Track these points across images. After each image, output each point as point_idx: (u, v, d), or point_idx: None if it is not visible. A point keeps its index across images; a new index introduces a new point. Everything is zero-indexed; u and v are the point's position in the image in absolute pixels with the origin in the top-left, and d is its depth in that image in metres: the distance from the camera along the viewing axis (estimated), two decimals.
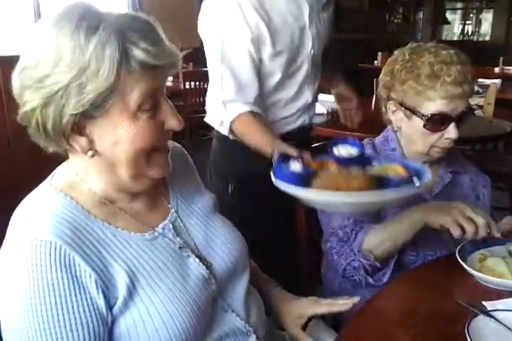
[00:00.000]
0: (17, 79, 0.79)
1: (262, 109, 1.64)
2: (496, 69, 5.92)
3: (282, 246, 1.68)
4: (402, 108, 1.35)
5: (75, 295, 0.77)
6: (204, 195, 1.08)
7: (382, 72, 1.41)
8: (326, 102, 3.55)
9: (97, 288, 0.79)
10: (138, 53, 0.76)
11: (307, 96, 1.80)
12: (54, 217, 0.80)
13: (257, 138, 1.54)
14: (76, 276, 0.77)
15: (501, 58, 6.00)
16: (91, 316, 0.78)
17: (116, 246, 0.85)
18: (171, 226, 0.95)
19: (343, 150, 1.03)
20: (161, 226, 0.93)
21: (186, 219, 1.00)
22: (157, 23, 0.82)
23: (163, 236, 0.92)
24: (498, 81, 4.95)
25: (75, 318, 0.77)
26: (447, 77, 1.26)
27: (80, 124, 0.79)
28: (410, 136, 1.38)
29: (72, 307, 0.77)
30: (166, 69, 0.82)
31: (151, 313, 0.82)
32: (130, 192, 0.91)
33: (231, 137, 1.65)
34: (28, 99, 0.78)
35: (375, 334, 0.88)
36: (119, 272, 0.82)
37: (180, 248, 0.93)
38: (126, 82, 0.77)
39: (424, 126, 1.31)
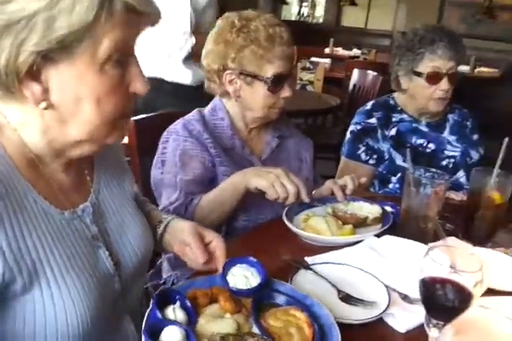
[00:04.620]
0: None
1: None
2: (327, 50, 6.41)
3: None
4: (242, 76, 1.37)
5: None
6: (127, 179, 1.00)
7: (211, 43, 1.40)
8: None
9: None
10: None
11: None
12: None
13: None
14: None
15: (332, 40, 6.51)
16: None
17: (35, 215, 0.74)
18: (91, 209, 0.86)
19: (240, 279, 0.87)
20: (81, 207, 0.84)
21: (105, 203, 0.90)
22: None
23: (80, 219, 0.83)
24: (328, 60, 5.40)
25: None
26: (280, 38, 1.34)
27: (36, 68, 0.66)
28: (251, 102, 1.41)
29: None
30: (145, 19, 0.74)
31: (56, 300, 0.73)
32: (63, 159, 0.80)
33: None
34: None
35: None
36: (30, 247, 0.71)
37: (92, 237, 0.84)
38: (103, 27, 0.68)
39: (268, 88, 1.36)
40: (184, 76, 1.56)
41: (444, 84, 1.73)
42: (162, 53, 2.43)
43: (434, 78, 1.74)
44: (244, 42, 1.33)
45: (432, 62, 1.73)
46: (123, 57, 0.74)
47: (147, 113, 1.66)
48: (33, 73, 0.68)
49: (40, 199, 0.76)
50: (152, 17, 0.76)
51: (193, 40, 2.34)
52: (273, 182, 1.20)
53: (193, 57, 2.34)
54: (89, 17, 0.65)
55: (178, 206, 1.31)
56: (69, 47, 0.67)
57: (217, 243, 0.98)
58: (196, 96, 2.01)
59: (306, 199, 1.23)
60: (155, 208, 1.17)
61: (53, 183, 0.81)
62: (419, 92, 1.79)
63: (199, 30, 2.32)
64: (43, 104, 0.71)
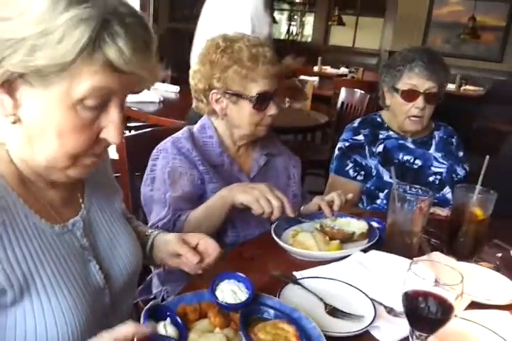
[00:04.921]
0: None
1: None
2: (315, 68, 6.51)
3: None
4: (227, 95, 1.40)
5: None
6: (117, 196, 1.02)
7: (197, 64, 1.44)
8: (158, 90, 3.52)
9: None
10: (110, 50, 0.68)
11: None
12: None
13: None
14: None
15: (319, 58, 6.62)
16: None
17: (26, 229, 0.75)
18: (81, 223, 0.87)
19: (229, 294, 0.88)
20: (71, 221, 0.86)
21: (95, 218, 0.92)
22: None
23: (71, 233, 0.85)
24: (316, 78, 5.48)
25: None
26: (264, 57, 1.37)
27: (13, 84, 0.69)
28: (237, 120, 1.44)
29: None
30: (131, 78, 0.72)
31: (46, 313, 0.74)
32: (45, 180, 0.81)
33: None
34: None
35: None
36: (21, 261, 0.73)
37: (83, 250, 0.85)
38: (82, 69, 0.68)
39: (254, 106, 1.39)
40: None
41: (420, 102, 1.79)
42: None
43: (409, 95, 1.80)
44: (228, 63, 1.37)
45: (409, 79, 1.80)
46: (102, 103, 0.73)
47: None
48: (8, 88, 0.71)
49: (31, 214, 0.78)
50: (141, 78, 0.74)
51: None
52: (258, 198, 1.22)
53: None
54: (70, 57, 0.66)
55: (167, 222, 1.32)
56: (46, 77, 0.68)
57: (205, 241, 1.02)
58: None
59: (291, 213, 1.26)
60: (141, 224, 1.19)
61: (43, 199, 0.83)
62: (398, 108, 1.85)
63: None
64: (11, 118, 0.73)
